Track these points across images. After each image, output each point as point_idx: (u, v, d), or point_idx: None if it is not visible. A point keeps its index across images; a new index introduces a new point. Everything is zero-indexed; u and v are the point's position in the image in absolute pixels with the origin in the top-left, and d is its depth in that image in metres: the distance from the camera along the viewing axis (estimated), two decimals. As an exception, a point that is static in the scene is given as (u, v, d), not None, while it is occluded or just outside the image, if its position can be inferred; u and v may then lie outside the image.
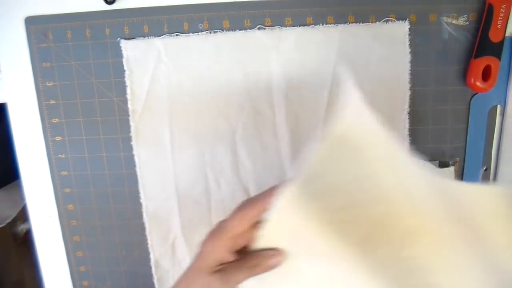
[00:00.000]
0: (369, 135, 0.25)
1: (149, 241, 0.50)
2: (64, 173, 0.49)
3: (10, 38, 0.46)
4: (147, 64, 0.45)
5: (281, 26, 0.44)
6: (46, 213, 0.50)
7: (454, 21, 0.44)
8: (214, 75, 0.45)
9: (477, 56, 0.43)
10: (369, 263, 0.28)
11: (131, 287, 0.52)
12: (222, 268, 0.30)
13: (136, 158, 0.47)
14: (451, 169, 0.45)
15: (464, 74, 0.44)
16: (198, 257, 0.31)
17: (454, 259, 0.28)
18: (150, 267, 0.51)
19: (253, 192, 0.48)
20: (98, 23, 0.45)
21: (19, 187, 0.50)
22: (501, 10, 0.41)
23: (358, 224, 0.27)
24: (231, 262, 0.31)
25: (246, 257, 0.30)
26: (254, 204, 0.29)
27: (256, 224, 0.29)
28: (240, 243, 0.31)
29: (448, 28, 0.44)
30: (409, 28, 0.44)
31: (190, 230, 0.49)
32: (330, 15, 0.44)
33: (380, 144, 0.25)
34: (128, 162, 0.48)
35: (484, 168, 0.47)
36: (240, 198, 0.48)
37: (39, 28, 0.45)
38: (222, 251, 0.30)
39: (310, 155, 0.25)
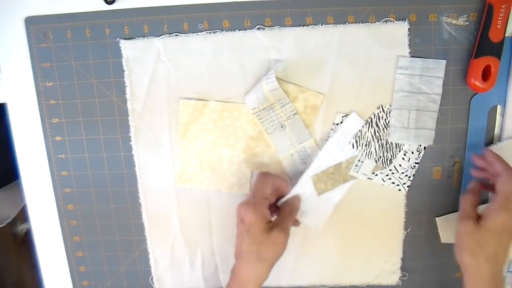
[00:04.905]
0: None
1: (148, 241, 0.50)
2: (64, 173, 0.49)
3: (10, 38, 0.46)
4: (147, 64, 0.45)
5: (281, 26, 0.44)
6: (46, 213, 0.50)
7: (454, 21, 0.44)
8: (213, 75, 0.45)
9: (477, 56, 0.42)
10: None
11: (131, 287, 0.52)
12: (273, 224, 0.39)
13: (135, 158, 0.47)
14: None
15: (464, 74, 0.44)
16: (249, 223, 0.38)
17: None
18: (149, 267, 0.51)
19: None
20: (98, 23, 0.45)
21: (19, 187, 0.50)
22: (501, 10, 0.41)
23: None
24: (274, 218, 0.41)
25: (281, 209, 0.42)
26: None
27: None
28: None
29: (448, 28, 0.44)
30: (408, 28, 0.44)
31: (189, 230, 0.49)
32: (330, 15, 0.44)
33: None
34: (127, 162, 0.48)
35: (484, 168, 0.47)
36: (239, 197, 0.48)
37: (39, 28, 0.45)
38: (265, 211, 0.39)
39: None
